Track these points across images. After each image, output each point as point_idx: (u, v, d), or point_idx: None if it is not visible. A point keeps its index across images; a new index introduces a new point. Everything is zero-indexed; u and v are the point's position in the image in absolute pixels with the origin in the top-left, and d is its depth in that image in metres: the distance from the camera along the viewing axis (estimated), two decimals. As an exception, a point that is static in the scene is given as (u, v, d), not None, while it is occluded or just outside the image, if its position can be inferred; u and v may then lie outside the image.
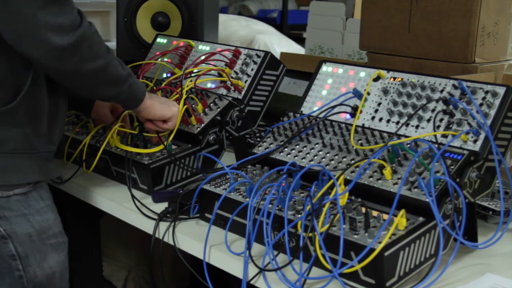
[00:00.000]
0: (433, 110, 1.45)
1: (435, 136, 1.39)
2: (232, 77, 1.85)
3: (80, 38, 1.36)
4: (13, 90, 1.42)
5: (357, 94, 1.57)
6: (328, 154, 1.49)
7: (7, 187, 1.45)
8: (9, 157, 1.44)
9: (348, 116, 1.57)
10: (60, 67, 1.38)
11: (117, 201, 1.65)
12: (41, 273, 1.50)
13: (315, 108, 1.63)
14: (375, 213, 1.30)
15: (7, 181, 1.44)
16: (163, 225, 1.50)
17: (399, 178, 1.34)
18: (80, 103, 1.84)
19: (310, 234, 1.24)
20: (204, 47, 2.04)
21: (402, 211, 1.23)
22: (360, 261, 1.16)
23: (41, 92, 1.46)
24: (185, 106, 1.73)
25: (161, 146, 1.70)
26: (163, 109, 1.65)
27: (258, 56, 1.87)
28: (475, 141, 1.36)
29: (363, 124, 1.53)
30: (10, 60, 1.41)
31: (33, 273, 1.49)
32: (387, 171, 1.34)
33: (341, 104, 1.58)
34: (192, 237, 1.45)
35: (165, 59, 2.07)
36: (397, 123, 1.49)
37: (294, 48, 4.16)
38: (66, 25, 1.33)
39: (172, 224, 1.49)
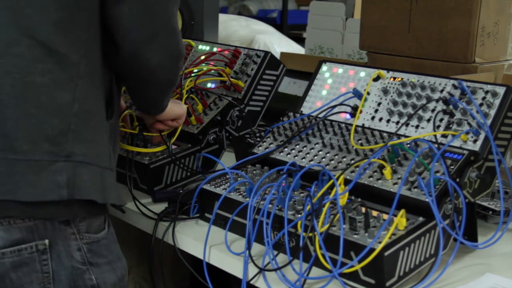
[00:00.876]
0: (433, 110, 1.45)
1: (435, 136, 1.39)
2: (232, 77, 1.85)
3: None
4: (110, 103, 1.35)
5: (357, 94, 1.57)
6: (328, 154, 1.49)
7: (94, 224, 1.31)
8: (109, 175, 1.31)
9: (348, 116, 1.57)
10: (167, 74, 1.39)
11: (117, 201, 1.65)
12: None
13: (315, 108, 1.63)
14: (375, 213, 1.30)
15: (104, 198, 1.28)
16: (163, 225, 1.50)
17: (399, 178, 1.34)
18: None
19: (310, 234, 1.24)
20: (204, 47, 2.04)
21: (402, 211, 1.23)
22: (360, 261, 1.16)
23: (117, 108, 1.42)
24: (185, 106, 1.72)
25: (163, 147, 1.69)
26: (177, 108, 1.64)
27: (258, 56, 1.87)
28: (475, 141, 1.36)
29: (363, 124, 1.53)
30: (113, 69, 1.36)
31: None
32: (387, 171, 1.34)
33: (341, 104, 1.58)
34: (192, 237, 1.45)
35: (165, 59, 2.07)
36: (397, 123, 1.49)
37: (294, 48, 4.16)
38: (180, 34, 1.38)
39: (172, 224, 1.49)
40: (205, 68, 1.87)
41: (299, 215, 1.31)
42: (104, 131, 1.31)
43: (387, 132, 1.47)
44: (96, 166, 1.27)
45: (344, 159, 1.46)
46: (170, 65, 1.38)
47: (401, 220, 1.22)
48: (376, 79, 1.59)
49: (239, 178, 1.50)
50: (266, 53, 1.87)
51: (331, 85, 1.66)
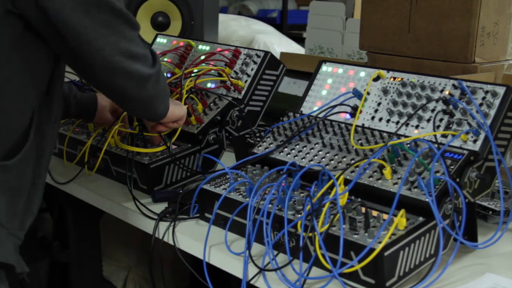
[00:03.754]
0: (433, 110, 1.45)
1: (435, 136, 1.39)
2: (232, 77, 1.85)
3: (158, 71, 1.40)
4: (20, 144, 1.31)
5: (357, 94, 1.57)
6: (328, 154, 1.49)
7: None
8: None
9: (348, 116, 1.57)
10: (142, 94, 1.39)
11: (117, 201, 1.65)
12: None
13: (315, 108, 1.63)
14: (375, 213, 1.30)
15: None
16: (163, 225, 1.50)
17: (399, 178, 1.34)
18: (81, 111, 1.81)
19: (310, 234, 1.24)
20: (204, 47, 2.03)
21: (402, 211, 1.23)
22: (360, 261, 1.16)
23: (31, 158, 1.34)
24: (185, 106, 1.72)
25: (163, 147, 1.69)
26: (179, 110, 1.64)
27: (258, 56, 1.87)
28: (475, 141, 1.36)
29: (363, 124, 1.53)
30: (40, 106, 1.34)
31: None
32: (387, 171, 1.34)
33: (341, 104, 1.58)
34: (192, 237, 1.45)
35: (165, 59, 2.07)
36: (397, 123, 1.49)
37: (294, 48, 4.16)
38: (148, 57, 1.37)
39: (172, 224, 1.49)
40: (205, 68, 1.87)
41: (299, 215, 1.31)
42: None
43: (387, 132, 1.47)
44: None
45: (344, 159, 1.46)
46: (142, 85, 1.37)
47: (401, 220, 1.22)
48: (376, 79, 1.59)
49: (239, 178, 1.50)
50: (266, 53, 1.87)
51: (331, 85, 1.66)
